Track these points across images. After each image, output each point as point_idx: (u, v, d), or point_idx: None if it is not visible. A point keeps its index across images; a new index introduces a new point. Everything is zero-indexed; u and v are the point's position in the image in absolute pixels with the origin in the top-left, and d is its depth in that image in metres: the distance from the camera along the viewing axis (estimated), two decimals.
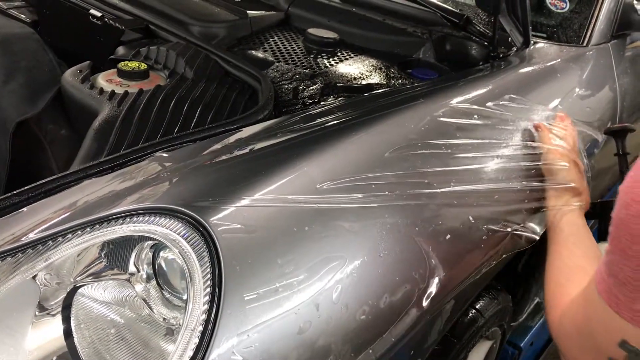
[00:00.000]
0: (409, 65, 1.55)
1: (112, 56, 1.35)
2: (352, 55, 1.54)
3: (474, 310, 1.21)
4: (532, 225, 1.08)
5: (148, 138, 1.08)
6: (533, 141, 1.14)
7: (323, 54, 1.52)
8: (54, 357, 0.72)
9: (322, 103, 1.25)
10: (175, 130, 1.11)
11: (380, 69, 1.47)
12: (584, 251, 1.00)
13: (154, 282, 0.78)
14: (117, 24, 1.38)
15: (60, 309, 0.74)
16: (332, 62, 1.49)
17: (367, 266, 0.81)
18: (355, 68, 1.46)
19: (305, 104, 1.25)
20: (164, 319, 0.76)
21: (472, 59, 1.52)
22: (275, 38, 1.61)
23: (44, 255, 0.74)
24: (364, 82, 1.40)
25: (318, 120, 1.01)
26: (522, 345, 1.71)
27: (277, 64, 1.45)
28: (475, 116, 1.11)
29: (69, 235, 0.76)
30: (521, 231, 1.05)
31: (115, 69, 1.25)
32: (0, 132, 1.18)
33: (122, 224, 0.75)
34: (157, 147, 0.95)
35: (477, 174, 1.02)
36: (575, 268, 0.96)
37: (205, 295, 0.69)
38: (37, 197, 0.84)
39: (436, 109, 1.09)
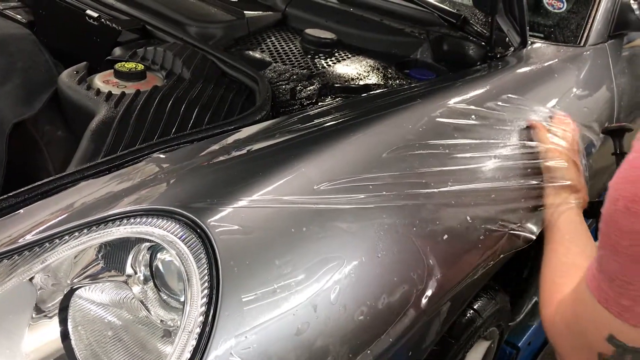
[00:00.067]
0: (407, 65, 1.55)
1: (108, 57, 1.35)
2: (349, 55, 1.54)
3: (471, 311, 1.21)
4: (529, 225, 1.08)
5: (145, 139, 1.08)
6: (531, 140, 1.14)
7: (320, 55, 1.52)
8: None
9: (319, 104, 1.25)
10: (173, 131, 1.11)
11: (378, 69, 1.47)
12: (581, 249, 1.00)
13: (151, 283, 0.78)
14: (113, 25, 1.38)
15: (57, 311, 0.74)
16: (330, 63, 1.48)
17: (365, 267, 0.81)
18: (353, 68, 1.46)
19: (303, 105, 1.25)
20: (162, 320, 0.76)
21: (470, 59, 1.52)
22: (273, 38, 1.61)
23: (40, 257, 0.74)
24: (361, 82, 1.40)
25: (316, 121, 1.01)
26: (519, 344, 1.71)
27: (274, 64, 1.45)
28: (473, 116, 1.11)
29: (66, 237, 0.75)
30: (519, 231, 1.05)
31: (112, 70, 1.25)
32: None
33: (119, 225, 0.75)
34: (154, 148, 0.94)
35: (474, 174, 1.02)
36: (570, 266, 0.96)
37: (202, 297, 0.69)
38: (34, 199, 0.84)
39: (434, 109, 1.09)
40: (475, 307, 1.22)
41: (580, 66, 1.54)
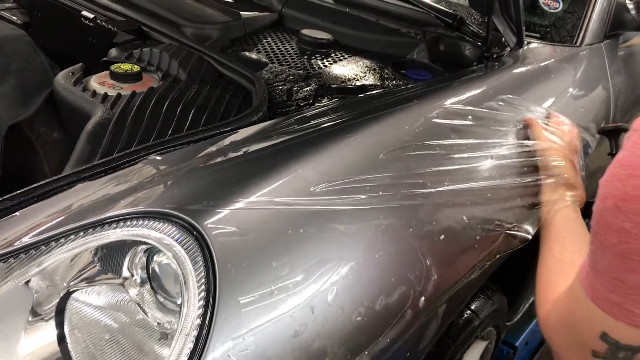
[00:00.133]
0: (403, 66, 1.55)
1: (104, 58, 1.34)
2: (346, 56, 1.54)
3: (469, 311, 1.21)
4: (525, 224, 1.08)
5: (141, 141, 1.08)
6: (527, 139, 1.15)
7: (317, 55, 1.52)
8: None
9: (316, 104, 1.25)
10: (169, 132, 1.11)
11: (374, 69, 1.47)
12: (577, 247, 0.99)
13: (148, 286, 0.78)
14: (109, 26, 1.37)
15: (53, 314, 0.74)
16: (326, 63, 1.48)
17: (362, 268, 0.81)
18: (349, 69, 1.46)
19: (300, 106, 1.25)
20: (159, 323, 0.75)
21: (466, 59, 1.52)
22: (269, 39, 1.61)
23: (37, 260, 0.74)
24: (358, 83, 1.40)
25: (312, 122, 1.01)
26: (517, 344, 1.72)
27: (270, 65, 1.44)
28: (470, 117, 1.11)
29: (62, 240, 0.75)
30: (515, 230, 1.06)
31: (108, 71, 1.24)
32: None
33: (115, 228, 0.75)
34: (150, 150, 0.94)
35: (471, 173, 1.02)
36: (566, 264, 0.95)
37: (199, 300, 0.69)
38: (30, 201, 0.84)
39: (430, 110, 1.09)
40: (472, 307, 1.22)
41: (577, 66, 1.54)
